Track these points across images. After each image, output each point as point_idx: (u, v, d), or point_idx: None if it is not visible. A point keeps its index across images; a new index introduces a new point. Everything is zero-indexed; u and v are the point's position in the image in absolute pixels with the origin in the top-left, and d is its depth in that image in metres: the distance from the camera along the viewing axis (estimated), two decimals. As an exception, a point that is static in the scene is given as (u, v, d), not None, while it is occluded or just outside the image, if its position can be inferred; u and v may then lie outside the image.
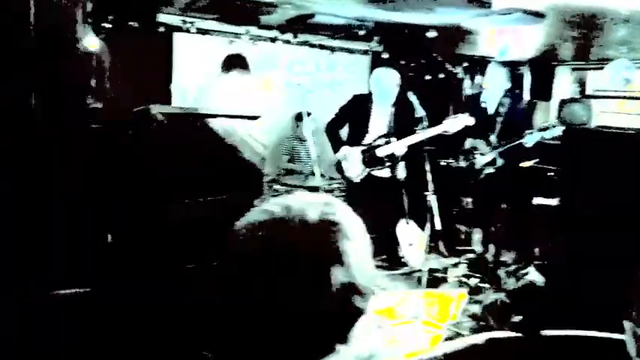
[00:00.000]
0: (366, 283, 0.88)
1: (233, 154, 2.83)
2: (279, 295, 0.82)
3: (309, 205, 0.88)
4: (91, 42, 4.43)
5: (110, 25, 4.94)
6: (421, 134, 4.30)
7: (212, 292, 0.90)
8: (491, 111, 4.95)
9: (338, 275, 0.83)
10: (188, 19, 5.42)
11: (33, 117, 2.04)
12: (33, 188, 2.09)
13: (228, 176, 2.70)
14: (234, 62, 3.76)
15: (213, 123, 2.79)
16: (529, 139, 4.57)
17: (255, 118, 2.96)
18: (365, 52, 6.65)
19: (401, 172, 4.60)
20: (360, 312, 0.87)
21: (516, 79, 6.65)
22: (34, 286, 2.28)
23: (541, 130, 4.57)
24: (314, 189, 4.95)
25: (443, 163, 5.74)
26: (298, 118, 5.62)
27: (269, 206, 0.89)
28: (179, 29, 5.46)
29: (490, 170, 4.82)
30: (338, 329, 0.86)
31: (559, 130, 4.55)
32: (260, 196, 2.99)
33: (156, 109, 2.41)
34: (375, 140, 4.46)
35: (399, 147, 4.38)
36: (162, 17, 5.34)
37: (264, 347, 0.86)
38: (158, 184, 2.42)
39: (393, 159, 4.45)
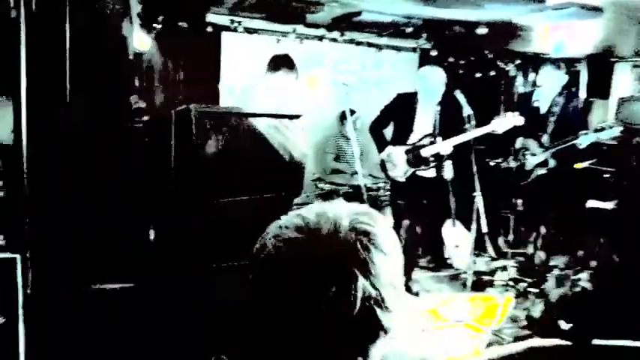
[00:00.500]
0: (392, 300, 0.84)
1: (274, 153, 2.83)
2: (302, 301, 0.81)
3: (345, 213, 0.86)
4: (141, 42, 4.57)
5: (160, 26, 5.07)
6: (468, 134, 4.19)
7: (239, 292, 0.89)
8: (543, 110, 4.77)
9: (363, 286, 0.81)
10: (236, 19, 5.49)
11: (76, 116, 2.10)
12: (78, 187, 2.15)
13: (269, 175, 2.71)
14: (281, 62, 3.78)
15: (255, 122, 2.80)
16: (583, 140, 4.37)
17: (296, 117, 2.95)
18: (413, 50, 6.54)
19: (448, 172, 4.48)
20: (382, 327, 0.84)
21: (572, 77, 6.41)
22: (79, 279, 2.35)
23: (597, 130, 4.36)
24: (357, 187, 4.93)
25: (492, 163, 5.59)
26: (343, 116, 5.60)
27: (304, 212, 0.88)
28: (227, 29, 5.53)
29: (542, 171, 4.65)
30: (358, 341, 0.84)
31: (616, 131, 4.33)
32: (300, 195, 2.99)
33: (196, 109, 2.44)
34: (419, 140, 4.38)
35: (444, 147, 4.28)
36: (210, 17, 5.44)
37: (281, 353, 0.85)
38: (199, 183, 2.45)
39: (438, 159, 4.35)
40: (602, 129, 4.35)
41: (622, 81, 6.47)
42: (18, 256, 1.18)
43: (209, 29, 5.43)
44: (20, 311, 1.20)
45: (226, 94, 5.48)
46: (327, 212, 0.86)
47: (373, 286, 0.81)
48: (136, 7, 3.37)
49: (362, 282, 0.80)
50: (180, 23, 5.26)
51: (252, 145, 2.70)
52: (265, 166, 2.71)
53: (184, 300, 2.50)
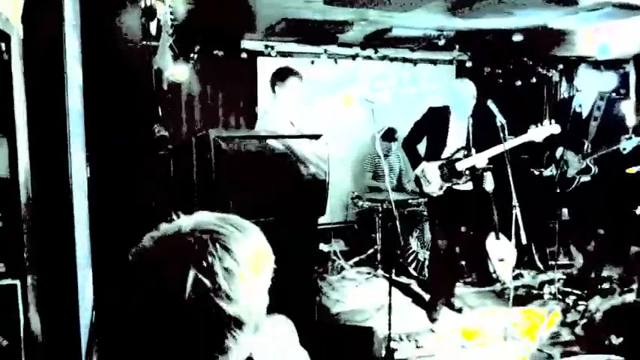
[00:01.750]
0: (238, 291, 0.90)
1: (295, 173, 2.87)
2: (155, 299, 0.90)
3: (194, 219, 0.96)
4: (176, 71, 4.75)
5: (197, 55, 5.27)
6: (503, 145, 4.09)
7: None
8: (585, 115, 4.61)
9: (195, 276, 0.87)
10: (269, 44, 5.64)
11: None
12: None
13: (291, 195, 2.74)
14: (286, 71, 3.78)
15: (275, 144, 2.85)
16: (627, 145, 4.18)
17: (316, 137, 2.98)
18: (449, 62, 6.48)
19: (489, 184, 4.38)
20: (229, 318, 0.90)
21: (621, 79, 6.15)
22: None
23: (639, 135, 4.17)
24: (399, 204, 4.90)
25: (536, 172, 5.42)
26: (385, 136, 5.63)
27: (179, 220, 0.97)
28: (262, 54, 5.68)
29: (586, 178, 4.47)
30: (209, 332, 0.90)
31: None
32: (324, 214, 3.00)
33: (214, 133, 2.51)
34: (453, 153, 4.31)
35: (479, 159, 4.20)
36: (245, 43, 5.61)
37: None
38: (219, 205, 2.52)
39: (473, 172, 4.27)
40: None
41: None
42: (18, 282, 1.26)
43: (244, 55, 5.60)
44: (22, 334, 1.28)
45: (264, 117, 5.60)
46: (180, 220, 0.97)
47: (209, 277, 0.87)
48: (167, 39, 3.51)
49: (192, 273, 0.87)
50: (215, 51, 5.45)
51: (272, 167, 2.75)
52: (286, 187, 2.74)
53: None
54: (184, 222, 0.95)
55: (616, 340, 3.71)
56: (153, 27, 3.30)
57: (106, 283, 2.42)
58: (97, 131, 2.23)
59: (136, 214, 2.30)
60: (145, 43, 3.05)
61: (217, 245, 0.91)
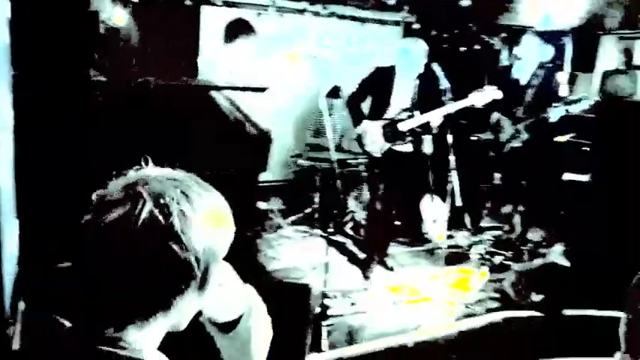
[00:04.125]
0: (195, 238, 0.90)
1: (236, 127, 2.80)
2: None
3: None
4: (115, 14, 4.49)
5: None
6: (445, 108, 4.16)
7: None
8: (523, 83, 4.75)
9: (150, 210, 0.87)
10: (215, -8, 5.41)
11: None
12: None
13: (231, 150, 2.69)
14: (237, 28, 3.64)
15: (218, 96, 2.76)
16: (553, 113, 4.36)
17: (262, 90, 2.90)
18: (397, 24, 6.46)
19: (427, 146, 4.47)
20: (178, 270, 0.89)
21: (557, 50, 6.34)
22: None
23: (567, 103, 4.35)
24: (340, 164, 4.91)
25: (473, 137, 5.58)
26: (328, 93, 5.56)
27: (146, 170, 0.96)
28: (206, 2, 5.45)
29: (516, 144, 4.64)
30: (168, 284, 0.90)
31: (586, 104, 4.31)
32: (265, 170, 2.96)
33: (154, 81, 2.40)
34: (397, 114, 4.34)
35: (421, 121, 4.25)
36: (188, -10, 5.35)
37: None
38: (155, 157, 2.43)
39: (415, 133, 4.32)
40: (572, 102, 4.34)
41: (607, 54, 6.41)
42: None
43: (187, 2, 5.35)
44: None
45: (206, 68, 5.41)
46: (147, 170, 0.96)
47: (164, 214, 0.87)
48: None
49: (148, 205, 0.87)
50: (157, -4, 5.17)
51: (214, 119, 2.67)
52: (228, 141, 2.68)
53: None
54: (150, 172, 0.95)
55: (536, 297, 3.96)
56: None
57: (34, 233, 2.31)
58: (26, 70, 2.08)
59: (68, 162, 2.19)
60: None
61: (178, 190, 0.91)
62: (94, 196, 0.92)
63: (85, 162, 2.26)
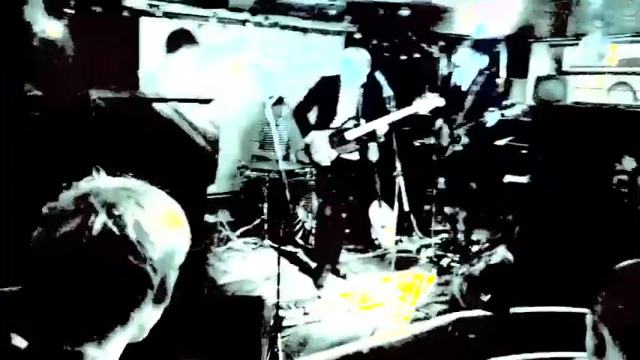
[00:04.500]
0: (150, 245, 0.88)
1: (182, 140, 2.75)
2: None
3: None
4: (48, 27, 4.32)
5: (72, 11, 4.83)
6: (390, 116, 4.23)
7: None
8: (463, 89, 4.91)
9: (104, 222, 0.85)
10: (154, 2, 5.31)
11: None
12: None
13: (178, 164, 2.63)
14: (180, 39, 3.59)
15: (162, 108, 2.70)
16: (489, 118, 4.55)
17: (207, 101, 2.86)
18: (339, 33, 6.55)
19: (373, 154, 4.53)
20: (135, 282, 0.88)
21: (492, 57, 6.60)
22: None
23: (502, 108, 4.54)
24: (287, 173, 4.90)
25: (417, 143, 5.71)
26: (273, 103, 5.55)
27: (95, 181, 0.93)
28: (145, 13, 5.35)
29: (457, 148, 4.78)
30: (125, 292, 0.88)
31: (519, 109, 4.52)
32: (213, 183, 2.92)
33: (95, 94, 2.32)
34: (343, 123, 4.38)
35: (367, 129, 4.31)
36: (127, 1, 5.24)
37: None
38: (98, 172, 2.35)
39: (361, 141, 4.38)
40: (506, 107, 4.53)
41: (539, 60, 6.72)
42: None
43: (125, 13, 5.23)
44: None
45: (147, 80, 5.30)
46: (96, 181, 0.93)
47: (118, 226, 0.85)
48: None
49: (101, 217, 0.84)
50: (93, 7, 5.03)
51: (159, 132, 2.61)
52: (174, 154, 2.62)
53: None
54: (101, 183, 0.91)
55: (485, 298, 4.06)
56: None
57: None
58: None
59: (12, 177, 2.08)
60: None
61: (132, 200, 0.88)
62: (44, 209, 0.88)
63: (30, 176, 2.16)
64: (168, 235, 0.91)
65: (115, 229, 0.84)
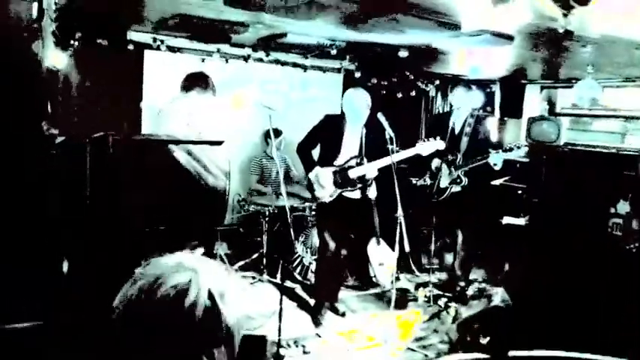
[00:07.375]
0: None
1: (194, 180, 2.78)
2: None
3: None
4: (56, 61, 4.36)
5: (77, 43, 4.88)
6: (394, 156, 4.30)
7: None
8: (458, 130, 5.01)
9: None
10: (158, 37, 5.39)
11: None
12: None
13: (189, 203, 2.65)
14: (195, 81, 3.68)
15: (174, 148, 2.74)
16: (496, 160, 4.62)
17: (218, 143, 2.91)
18: (338, 71, 6.67)
19: (372, 192, 4.59)
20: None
21: (487, 98, 6.75)
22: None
23: (505, 150, 4.63)
24: (282, 208, 4.92)
25: (414, 181, 5.77)
26: (267, 136, 5.61)
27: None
28: (149, 47, 5.42)
29: (456, 189, 4.86)
30: None
31: (522, 152, 4.62)
32: (223, 222, 2.94)
33: (113, 136, 2.36)
34: (347, 161, 4.45)
35: (370, 169, 4.38)
36: (132, 35, 5.30)
37: None
38: (116, 213, 2.37)
39: (364, 181, 4.44)
40: (511, 149, 4.62)
41: (532, 102, 6.89)
42: None
43: (130, 47, 5.29)
44: None
45: (149, 113, 5.35)
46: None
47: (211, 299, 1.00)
48: (49, 25, 3.21)
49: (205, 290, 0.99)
50: (99, 40, 5.09)
51: (172, 173, 2.64)
52: (185, 194, 2.65)
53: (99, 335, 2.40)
54: (197, 262, 1.05)
55: (483, 340, 4.08)
56: (34, 9, 3.01)
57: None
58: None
59: (27, 218, 2.10)
60: (32, 26, 2.79)
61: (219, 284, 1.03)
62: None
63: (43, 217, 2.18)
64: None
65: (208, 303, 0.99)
